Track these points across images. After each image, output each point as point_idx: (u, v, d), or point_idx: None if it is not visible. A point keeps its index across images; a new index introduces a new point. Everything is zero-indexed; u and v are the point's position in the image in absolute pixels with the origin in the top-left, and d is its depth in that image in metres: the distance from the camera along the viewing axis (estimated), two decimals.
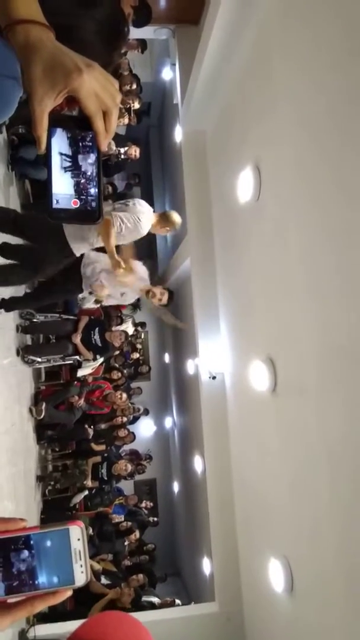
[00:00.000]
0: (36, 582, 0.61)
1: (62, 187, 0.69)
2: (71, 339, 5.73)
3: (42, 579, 0.61)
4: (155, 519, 8.56)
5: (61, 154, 0.69)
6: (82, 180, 0.70)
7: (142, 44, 6.53)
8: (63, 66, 0.67)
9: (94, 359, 6.04)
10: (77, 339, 5.72)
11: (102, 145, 0.71)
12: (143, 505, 8.44)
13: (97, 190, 0.70)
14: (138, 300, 9.44)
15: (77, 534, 0.63)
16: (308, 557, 3.09)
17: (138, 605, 5.37)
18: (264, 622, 4.13)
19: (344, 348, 2.45)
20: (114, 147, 5.99)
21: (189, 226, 5.22)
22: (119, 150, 6.28)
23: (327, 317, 2.62)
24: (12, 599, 0.61)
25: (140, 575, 5.88)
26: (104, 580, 5.74)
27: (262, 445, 3.84)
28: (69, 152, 0.69)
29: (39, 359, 5.61)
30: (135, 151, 6.38)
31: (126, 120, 6.34)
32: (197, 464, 6.84)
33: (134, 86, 6.34)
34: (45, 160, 0.69)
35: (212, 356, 4.91)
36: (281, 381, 3.39)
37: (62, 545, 0.62)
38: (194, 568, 7.91)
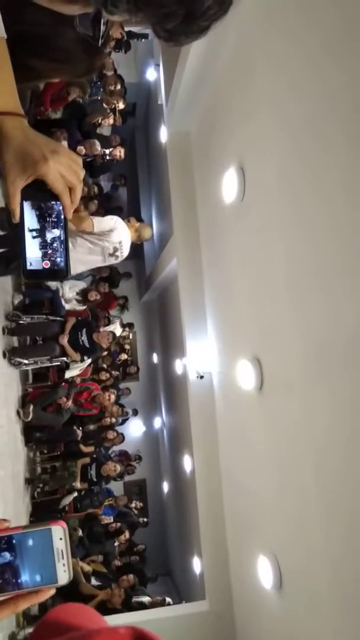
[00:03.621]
0: (19, 581, 0.62)
1: (34, 253, 0.81)
2: (58, 340, 5.72)
3: (25, 578, 0.63)
4: (145, 519, 8.57)
5: (30, 230, 0.80)
6: (50, 251, 0.81)
7: (126, 44, 6.55)
8: (31, 156, 0.78)
9: (82, 360, 6.03)
10: (64, 340, 5.71)
11: (68, 215, 0.83)
12: (133, 505, 8.44)
13: (64, 252, 0.82)
14: (126, 300, 9.47)
15: (59, 533, 0.64)
16: (296, 553, 3.12)
17: (129, 606, 5.37)
18: (254, 619, 4.16)
19: (327, 346, 2.48)
20: (99, 149, 5.99)
21: (175, 226, 5.23)
22: (104, 151, 6.28)
23: (310, 315, 2.65)
24: None
25: (131, 576, 5.89)
26: (94, 582, 5.73)
27: (250, 443, 3.87)
28: (38, 227, 0.81)
29: (26, 361, 5.60)
30: (119, 152, 6.38)
31: (111, 121, 6.34)
32: (186, 463, 6.86)
33: (118, 86, 6.35)
34: (19, 229, 0.81)
35: (200, 356, 4.93)
36: (267, 380, 3.41)
37: (45, 545, 0.64)
38: (185, 567, 7.93)
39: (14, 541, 0.63)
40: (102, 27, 0.90)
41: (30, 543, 0.63)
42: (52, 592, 0.64)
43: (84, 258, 4.14)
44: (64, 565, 0.64)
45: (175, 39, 0.68)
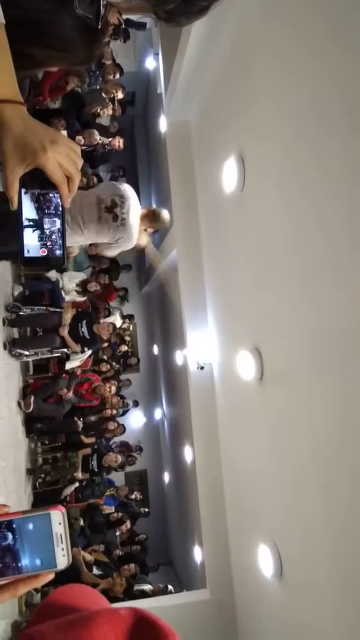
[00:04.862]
0: (19, 565, 0.63)
1: (32, 241, 0.82)
2: (58, 331, 5.73)
3: (24, 561, 0.63)
4: (147, 509, 8.62)
5: (29, 220, 0.81)
6: (49, 243, 0.83)
7: (125, 33, 6.48)
8: (30, 146, 0.78)
9: (82, 352, 6.04)
10: (64, 331, 5.71)
11: (66, 204, 0.84)
12: (133, 497, 8.48)
13: (61, 241, 0.83)
14: (126, 292, 9.47)
15: (58, 518, 0.65)
16: (296, 541, 3.14)
17: (130, 595, 5.42)
18: (255, 607, 4.20)
19: (328, 337, 2.48)
20: (97, 138, 5.96)
21: (175, 217, 5.21)
22: (104, 140, 6.25)
23: (311, 305, 2.65)
24: None
25: (132, 565, 5.94)
26: (96, 571, 5.79)
27: (250, 433, 3.88)
28: (36, 218, 0.82)
29: (27, 352, 5.61)
30: (119, 142, 6.35)
31: (110, 111, 6.30)
32: (187, 454, 6.89)
33: (117, 75, 6.30)
34: (17, 217, 0.82)
35: (200, 347, 4.93)
36: (268, 370, 3.42)
37: (44, 529, 0.64)
38: (186, 556, 7.99)
39: (13, 526, 0.63)
40: (102, 10, 0.89)
41: (30, 528, 0.64)
42: (51, 576, 0.64)
43: (75, 211, 3.47)
44: (62, 549, 0.64)
45: (176, 20, 0.68)
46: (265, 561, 3.54)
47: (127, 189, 3.65)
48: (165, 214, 3.78)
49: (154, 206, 3.96)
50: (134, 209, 3.55)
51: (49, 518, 0.65)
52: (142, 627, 0.60)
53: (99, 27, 0.93)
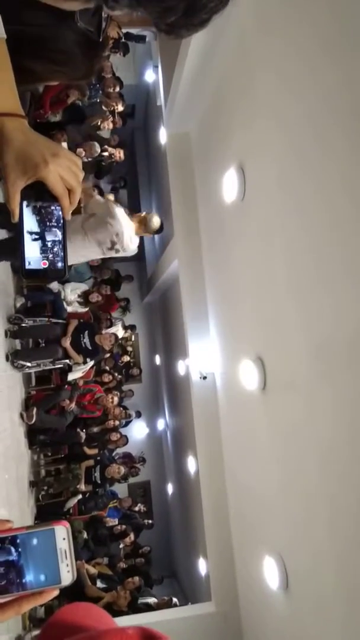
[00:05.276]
0: (23, 581, 0.62)
1: (33, 253, 0.83)
2: (61, 342, 5.72)
3: (29, 578, 0.62)
4: (150, 521, 8.56)
5: (30, 233, 0.82)
6: (50, 256, 0.83)
7: (125, 47, 6.56)
8: (32, 159, 0.79)
9: (84, 363, 6.03)
10: (66, 342, 5.71)
11: (67, 216, 0.85)
12: (137, 509, 8.42)
13: (63, 254, 0.84)
14: (128, 302, 9.48)
15: (62, 533, 0.64)
16: (302, 553, 3.11)
17: (135, 608, 5.37)
18: (261, 619, 4.15)
19: (330, 344, 2.48)
20: (98, 150, 6.00)
21: (176, 228, 5.23)
22: (108, 149, 6.31)
23: (312, 314, 2.65)
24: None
25: (136, 578, 5.88)
26: (100, 584, 5.73)
27: (253, 443, 3.86)
28: (38, 231, 0.83)
29: (29, 364, 5.60)
30: (119, 153, 6.40)
31: (111, 125, 6.35)
32: (190, 464, 6.85)
33: (117, 88, 6.36)
34: (18, 229, 0.82)
35: (203, 356, 4.92)
36: (270, 379, 3.41)
37: (48, 545, 0.63)
38: (190, 569, 7.91)
39: (17, 541, 0.63)
40: (103, 23, 0.90)
41: (34, 543, 0.63)
42: (56, 592, 0.63)
43: (80, 251, 3.95)
44: (67, 565, 0.63)
45: (176, 32, 0.68)
46: (270, 573, 3.50)
47: (117, 220, 3.85)
48: (153, 217, 4.01)
49: (142, 215, 4.11)
50: (127, 232, 3.86)
51: (53, 533, 0.64)
52: None
53: (101, 39, 0.94)
